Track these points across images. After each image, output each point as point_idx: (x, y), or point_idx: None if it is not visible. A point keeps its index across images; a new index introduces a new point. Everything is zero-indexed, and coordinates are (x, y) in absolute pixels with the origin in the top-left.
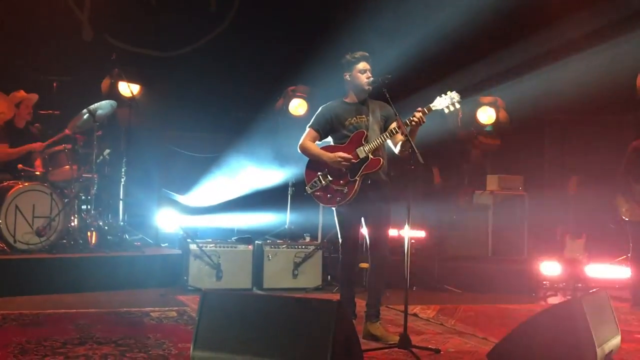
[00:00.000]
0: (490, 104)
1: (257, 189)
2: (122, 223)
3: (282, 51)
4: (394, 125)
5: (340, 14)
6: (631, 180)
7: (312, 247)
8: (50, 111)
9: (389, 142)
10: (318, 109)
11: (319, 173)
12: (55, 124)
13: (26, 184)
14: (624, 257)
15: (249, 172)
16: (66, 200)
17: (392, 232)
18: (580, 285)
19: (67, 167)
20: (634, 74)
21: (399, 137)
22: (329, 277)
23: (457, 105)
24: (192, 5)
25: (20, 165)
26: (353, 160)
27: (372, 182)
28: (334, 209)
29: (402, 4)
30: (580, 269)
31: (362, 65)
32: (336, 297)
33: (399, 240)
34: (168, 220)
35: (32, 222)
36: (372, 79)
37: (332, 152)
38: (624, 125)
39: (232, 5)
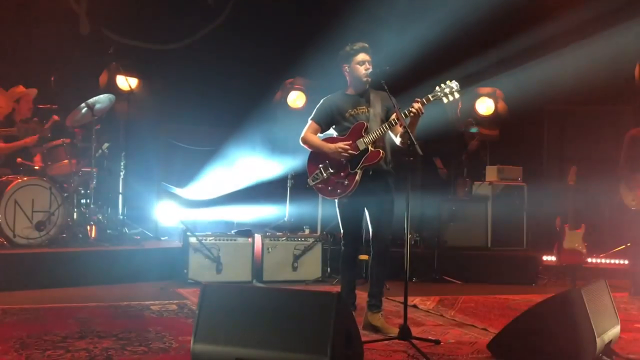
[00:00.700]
0: (488, 95)
1: (256, 181)
2: (121, 217)
3: (280, 43)
4: (394, 116)
5: (338, 6)
6: (634, 168)
7: (311, 240)
8: (49, 105)
9: (391, 133)
10: (316, 101)
11: (320, 165)
12: (58, 121)
13: (25, 178)
14: (623, 246)
15: (247, 164)
16: (65, 194)
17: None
18: (579, 275)
19: (66, 161)
20: (633, 64)
21: (399, 128)
22: (328, 269)
23: (457, 95)
24: None
25: (19, 159)
26: (353, 152)
27: (374, 173)
28: (335, 200)
29: None
30: (579, 259)
31: (361, 56)
32: (336, 289)
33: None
34: (167, 214)
35: (31, 217)
36: (370, 70)
37: (332, 144)
38: (623, 115)
39: None
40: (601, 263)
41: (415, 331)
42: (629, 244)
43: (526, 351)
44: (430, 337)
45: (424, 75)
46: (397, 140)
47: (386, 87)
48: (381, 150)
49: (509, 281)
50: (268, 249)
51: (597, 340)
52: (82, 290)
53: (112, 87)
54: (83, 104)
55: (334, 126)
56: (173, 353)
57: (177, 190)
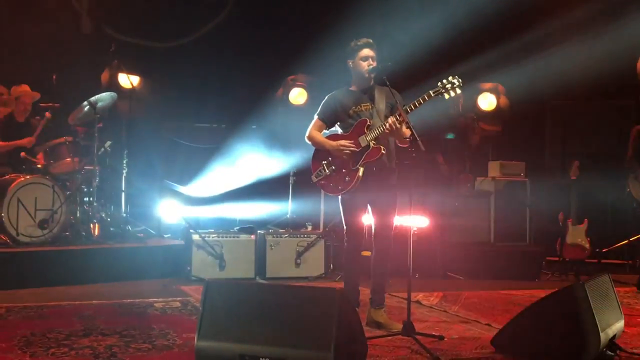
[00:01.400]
0: (490, 90)
1: (258, 178)
2: (124, 214)
3: (282, 40)
4: (391, 119)
5: (341, 2)
6: None
7: (314, 236)
8: (51, 104)
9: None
10: (317, 98)
11: (323, 162)
12: (56, 117)
13: (28, 177)
14: (626, 241)
15: (250, 161)
16: (68, 192)
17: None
18: (582, 270)
19: (68, 159)
20: (634, 59)
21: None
22: (331, 265)
23: (458, 91)
24: None
25: (23, 154)
26: (354, 149)
27: (377, 169)
28: (339, 197)
29: None
30: (582, 254)
31: (365, 52)
32: (339, 285)
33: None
34: (170, 211)
35: (34, 215)
36: (373, 66)
37: (334, 141)
38: (624, 110)
39: None
40: (604, 258)
41: (418, 327)
42: (630, 239)
43: (530, 346)
44: (433, 333)
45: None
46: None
47: (388, 83)
48: (382, 147)
49: (512, 276)
50: (271, 245)
51: (601, 334)
52: (85, 288)
53: (114, 85)
54: (85, 102)
55: (338, 123)
56: (177, 350)
57: (179, 188)
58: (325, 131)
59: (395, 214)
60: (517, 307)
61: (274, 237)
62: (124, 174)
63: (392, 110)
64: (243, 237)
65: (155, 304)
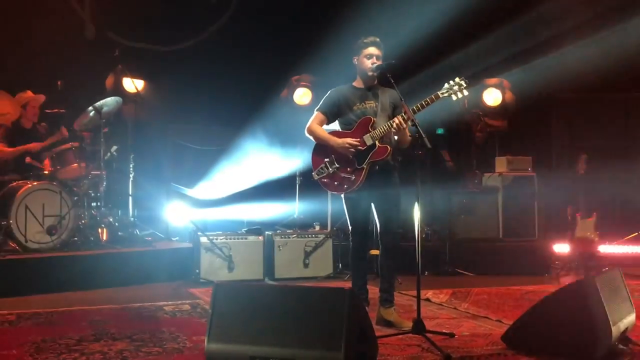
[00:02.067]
0: (496, 86)
1: (265, 179)
2: (132, 218)
3: (286, 41)
4: (397, 119)
5: (344, 3)
6: None
7: (322, 236)
8: (56, 110)
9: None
10: (322, 97)
11: (325, 159)
12: (61, 123)
13: (35, 183)
14: (636, 234)
15: (256, 163)
16: (76, 198)
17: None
18: (592, 264)
19: (75, 165)
20: None
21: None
22: (339, 265)
23: (465, 92)
24: None
25: (28, 159)
26: (360, 148)
27: (380, 168)
28: (342, 196)
29: None
30: (592, 247)
31: (370, 50)
32: (348, 284)
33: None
34: (178, 214)
35: (42, 221)
36: (376, 64)
37: (339, 138)
38: (631, 103)
39: None
40: (614, 251)
41: (429, 325)
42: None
43: (541, 342)
44: (444, 331)
45: (432, 67)
46: (396, 138)
47: (392, 81)
48: (389, 146)
49: (521, 272)
50: (279, 246)
51: (613, 328)
52: (95, 293)
53: (118, 90)
54: (90, 108)
55: (339, 118)
56: (187, 353)
57: (186, 191)
58: (325, 126)
59: (400, 212)
60: (527, 302)
61: (281, 237)
62: (131, 178)
63: (394, 110)
64: (251, 238)
65: (164, 307)
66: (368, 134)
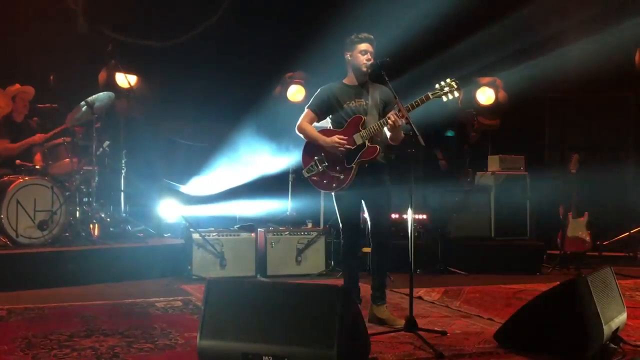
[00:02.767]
0: (489, 85)
1: (257, 176)
2: (124, 214)
3: (279, 37)
4: (392, 114)
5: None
6: None
7: (314, 233)
8: (48, 105)
9: (385, 128)
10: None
11: (315, 157)
12: (54, 118)
13: (27, 178)
14: (627, 234)
15: (249, 159)
16: (67, 193)
17: (394, 216)
18: (584, 263)
19: (67, 160)
20: (633, 50)
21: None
22: (332, 262)
23: (456, 94)
24: None
25: (18, 162)
26: (350, 147)
27: (369, 166)
28: (333, 194)
29: None
30: (583, 246)
31: (364, 46)
32: (340, 282)
33: (402, 224)
34: (170, 210)
35: (33, 216)
36: (371, 61)
37: (329, 137)
38: (623, 102)
39: None
40: (605, 250)
41: (421, 323)
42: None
43: (533, 340)
44: (436, 329)
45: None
46: (388, 135)
47: (387, 79)
48: (378, 146)
49: (513, 271)
50: (271, 243)
51: (604, 327)
52: (86, 289)
53: (111, 85)
54: (83, 102)
55: (330, 116)
56: (179, 349)
57: (179, 187)
58: (315, 124)
59: (390, 210)
60: (519, 301)
61: (274, 234)
62: (123, 174)
63: (385, 107)
64: (243, 235)
65: (156, 304)
66: (358, 133)
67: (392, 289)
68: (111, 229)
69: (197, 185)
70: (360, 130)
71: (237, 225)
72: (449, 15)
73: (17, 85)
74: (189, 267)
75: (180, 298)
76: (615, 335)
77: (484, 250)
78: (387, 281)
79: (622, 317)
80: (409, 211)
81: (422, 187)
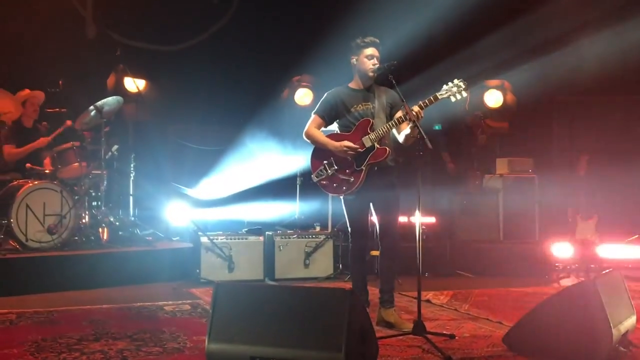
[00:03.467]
0: (497, 87)
1: (265, 180)
2: (132, 218)
3: (287, 41)
4: (399, 114)
5: (344, 2)
6: None
7: (322, 237)
8: (57, 109)
9: (394, 130)
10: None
11: (324, 162)
12: (63, 122)
13: (36, 182)
14: (637, 236)
15: (257, 163)
16: (76, 197)
17: (403, 219)
18: (593, 266)
19: (76, 164)
20: None
21: (403, 126)
22: (340, 266)
23: (464, 94)
24: None
25: (28, 165)
26: (359, 150)
27: (378, 169)
28: (341, 198)
29: None
30: (592, 249)
31: (371, 50)
32: (348, 285)
33: (410, 227)
34: (178, 214)
35: (43, 221)
36: (377, 66)
37: (337, 141)
38: (631, 105)
39: None
40: (615, 253)
41: (429, 326)
42: None
43: (542, 344)
44: (444, 332)
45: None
46: (400, 138)
47: (394, 82)
48: (387, 148)
49: (522, 274)
50: (279, 246)
51: (613, 331)
52: (95, 293)
53: (120, 89)
54: (92, 107)
55: (337, 120)
56: (188, 353)
57: (187, 190)
58: (323, 128)
59: (398, 213)
60: (527, 304)
61: (282, 238)
62: (132, 178)
63: (392, 110)
64: (251, 238)
65: (165, 307)
66: (367, 136)
67: (401, 292)
68: (120, 233)
69: (206, 188)
70: (369, 133)
71: (245, 229)
72: (456, 18)
73: (27, 91)
74: (198, 271)
75: (188, 302)
76: (624, 339)
77: (492, 253)
78: (396, 284)
79: (632, 320)
80: (417, 214)
81: (430, 190)
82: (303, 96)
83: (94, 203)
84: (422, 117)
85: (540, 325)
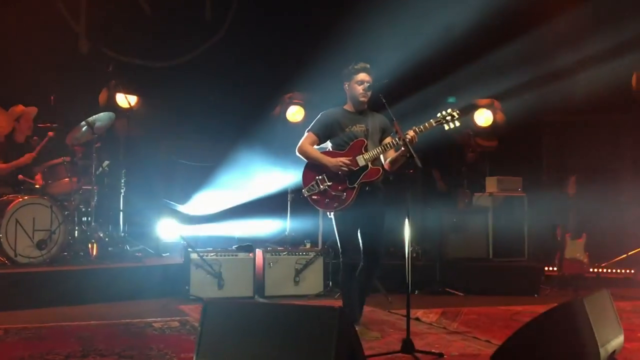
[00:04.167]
0: (487, 106)
1: (256, 196)
2: (122, 234)
3: (279, 58)
4: (388, 140)
5: (336, 21)
6: None
7: (312, 254)
8: (49, 124)
9: (382, 156)
10: (314, 115)
11: (317, 177)
12: (54, 137)
13: (26, 197)
14: (625, 255)
15: (248, 180)
16: (66, 212)
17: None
18: (581, 285)
19: (66, 179)
20: (629, 74)
21: (391, 153)
22: (330, 283)
23: (457, 123)
24: (188, 15)
25: (20, 176)
26: (353, 168)
27: (369, 189)
28: (331, 214)
29: (399, 8)
30: (581, 268)
31: (361, 76)
32: (338, 303)
33: (400, 245)
34: (169, 230)
35: (32, 236)
36: (369, 85)
37: (333, 158)
38: (620, 125)
39: (228, 14)
40: (603, 272)
41: (418, 344)
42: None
43: None
44: (433, 350)
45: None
46: (386, 163)
47: (384, 100)
48: (380, 168)
49: (511, 292)
50: (269, 263)
51: (601, 350)
52: (83, 309)
53: (111, 105)
54: (83, 122)
55: (330, 139)
56: None
57: (178, 207)
58: (315, 147)
59: (383, 231)
60: (516, 323)
61: (272, 255)
62: (122, 194)
63: (383, 134)
64: (241, 255)
65: (153, 324)
66: (361, 156)
67: (390, 310)
68: (110, 249)
69: (196, 205)
70: (363, 153)
71: (236, 246)
72: (448, 38)
73: (21, 107)
74: (187, 287)
75: (177, 319)
76: (612, 358)
77: (481, 271)
78: (385, 302)
79: (619, 340)
80: (406, 232)
81: (420, 208)
82: (295, 113)
83: (84, 218)
84: (416, 141)
85: (528, 344)
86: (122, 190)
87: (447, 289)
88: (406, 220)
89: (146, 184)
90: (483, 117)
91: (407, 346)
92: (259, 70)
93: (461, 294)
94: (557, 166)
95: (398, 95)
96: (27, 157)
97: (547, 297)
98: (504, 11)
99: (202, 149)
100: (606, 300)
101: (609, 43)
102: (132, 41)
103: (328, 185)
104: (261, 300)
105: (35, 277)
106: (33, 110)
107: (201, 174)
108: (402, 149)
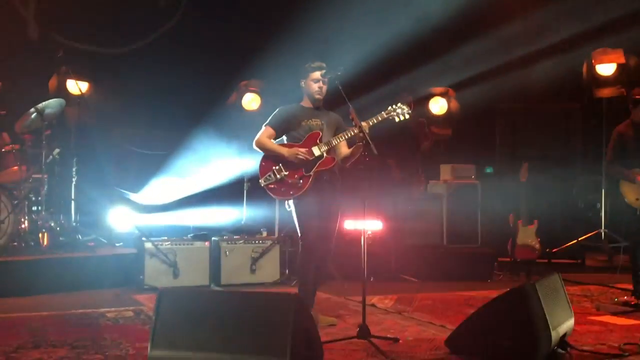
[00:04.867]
0: (441, 95)
1: (212, 185)
2: (74, 223)
3: (234, 45)
4: (347, 132)
5: (294, 8)
6: (626, 164)
7: (269, 242)
8: None
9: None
10: (271, 103)
11: (274, 167)
12: (2, 125)
13: None
14: (575, 241)
15: (203, 168)
16: (15, 201)
17: (349, 224)
18: (533, 270)
19: (15, 167)
20: (580, 64)
21: (345, 148)
22: (286, 271)
23: (407, 116)
24: (141, 0)
25: None
26: (309, 157)
27: (326, 178)
28: (292, 202)
29: None
30: (533, 254)
31: (316, 75)
32: (294, 290)
33: (356, 232)
34: (122, 219)
35: None
36: (325, 72)
37: (289, 148)
38: (571, 113)
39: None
40: (554, 257)
41: (374, 330)
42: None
43: (483, 346)
44: (389, 335)
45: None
46: (341, 159)
47: (341, 89)
48: (335, 157)
49: (465, 278)
50: (226, 252)
51: (552, 333)
52: (34, 299)
53: (62, 92)
54: (32, 109)
55: (287, 133)
56: None
57: (131, 195)
58: (272, 140)
59: (338, 220)
60: (470, 308)
61: (228, 243)
62: (74, 182)
63: (337, 131)
64: (197, 244)
65: (107, 314)
66: (316, 146)
67: (346, 297)
68: (61, 239)
69: (150, 193)
70: (318, 144)
71: (191, 234)
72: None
73: None
74: (141, 277)
75: (131, 308)
76: (563, 341)
77: (436, 257)
78: (341, 288)
79: (570, 323)
80: (363, 219)
81: (376, 195)
82: (250, 101)
83: (34, 208)
84: (367, 132)
85: (482, 328)
86: (73, 179)
87: (402, 275)
88: (363, 208)
89: (98, 172)
90: (438, 106)
91: (363, 331)
92: (214, 57)
93: (416, 280)
94: (510, 154)
95: (355, 86)
96: None
97: (500, 282)
98: (460, 3)
99: (156, 136)
100: (557, 284)
101: (561, 34)
102: (83, 27)
103: (285, 175)
104: (217, 288)
105: None
106: None
107: (155, 162)
108: (358, 143)
